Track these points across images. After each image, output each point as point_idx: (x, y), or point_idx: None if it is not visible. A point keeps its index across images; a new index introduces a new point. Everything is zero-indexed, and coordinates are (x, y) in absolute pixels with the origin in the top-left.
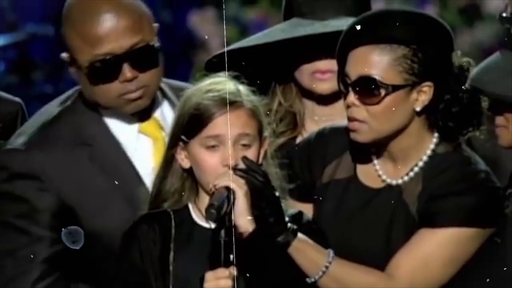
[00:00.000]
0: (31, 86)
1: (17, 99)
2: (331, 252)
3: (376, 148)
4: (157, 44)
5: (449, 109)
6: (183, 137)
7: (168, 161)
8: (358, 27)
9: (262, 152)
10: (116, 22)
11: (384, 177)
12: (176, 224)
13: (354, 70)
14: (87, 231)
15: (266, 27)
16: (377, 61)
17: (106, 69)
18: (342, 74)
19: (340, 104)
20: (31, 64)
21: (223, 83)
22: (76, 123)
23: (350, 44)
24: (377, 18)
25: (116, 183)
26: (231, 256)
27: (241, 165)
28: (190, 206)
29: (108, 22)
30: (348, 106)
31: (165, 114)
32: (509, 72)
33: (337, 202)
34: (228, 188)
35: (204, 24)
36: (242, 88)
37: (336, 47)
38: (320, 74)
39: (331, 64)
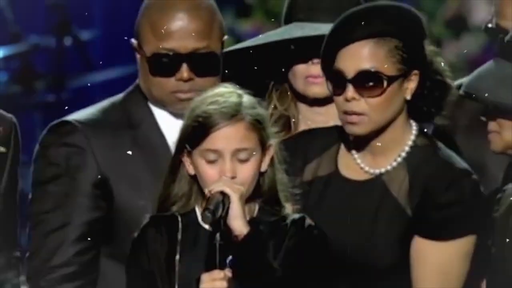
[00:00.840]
0: (33, 96)
1: (9, 115)
2: None
3: (359, 143)
4: (220, 55)
5: (432, 95)
6: (187, 146)
7: (176, 166)
8: (348, 25)
9: (267, 159)
10: (187, 23)
11: (366, 168)
12: (183, 227)
13: (351, 65)
14: (118, 205)
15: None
16: (374, 55)
17: (166, 64)
18: (331, 72)
19: (333, 109)
20: (33, 74)
21: (226, 95)
22: (126, 109)
23: (339, 42)
24: (365, 14)
25: (153, 168)
26: (227, 259)
27: (237, 179)
28: (197, 209)
29: (179, 20)
30: (346, 101)
31: None
32: (503, 79)
33: (320, 198)
34: (223, 193)
35: None
36: (246, 99)
37: (322, 46)
38: (312, 78)
39: None
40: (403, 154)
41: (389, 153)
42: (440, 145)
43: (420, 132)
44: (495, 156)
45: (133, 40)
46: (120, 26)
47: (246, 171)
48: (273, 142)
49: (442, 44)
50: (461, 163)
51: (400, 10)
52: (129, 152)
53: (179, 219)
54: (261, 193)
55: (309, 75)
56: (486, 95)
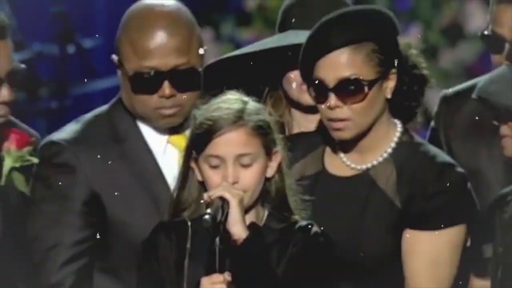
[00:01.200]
0: (37, 102)
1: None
2: None
3: (344, 144)
4: (200, 68)
5: (411, 89)
6: (194, 152)
7: (185, 172)
8: (323, 34)
9: (273, 166)
10: (167, 41)
11: (353, 165)
12: (193, 233)
13: (332, 74)
14: (111, 222)
15: None
16: (352, 62)
17: (148, 82)
18: (312, 81)
19: None
20: (37, 81)
21: (231, 102)
22: (112, 123)
23: (317, 52)
24: (339, 22)
25: (142, 181)
26: (226, 263)
27: (239, 184)
28: (202, 214)
29: (159, 38)
30: (330, 109)
31: None
32: None
33: (309, 195)
34: (223, 198)
35: None
36: (250, 106)
37: (299, 58)
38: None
39: None
40: (389, 150)
41: (375, 150)
42: (425, 142)
43: (405, 130)
44: (490, 162)
45: (114, 56)
46: None
47: (249, 176)
48: (280, 148)
49: (438, 52)
50: (446, 157)
51: (371, 13)
52: (117, 166)
53: (189, 224)
54: (270, 199)
55: (303, 83)
56: (498, 99)
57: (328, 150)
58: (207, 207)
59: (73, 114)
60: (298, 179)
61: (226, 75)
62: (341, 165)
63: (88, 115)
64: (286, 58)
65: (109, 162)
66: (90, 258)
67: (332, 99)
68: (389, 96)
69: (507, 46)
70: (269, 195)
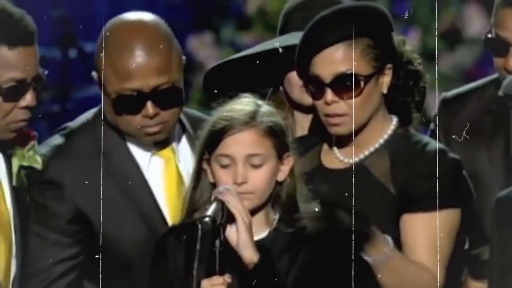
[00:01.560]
0: (39, 106)
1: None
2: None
3: (340, 140)
4: (181, 84)
5: (406, 84)
6: (206, 152)
7: (198, 173)
8: (319, 31)
9: (285, 170)
10: (148, 62)
11: (346, 160)
12: (203, 234)
13: (328, 70)
14: (99, 239)
15: None
16: (348, 57)
17: (131, 103)
18: (308, 78)
19: None
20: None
21: (244, 103)
22: (96, 136)
23: (312, 49)
24: (334, 18)
25: (128, 196)
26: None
27: (248, 185)
28: (202, 216)
29: (140, 60)
30: (326, 104)
31: (180, 140)
32: None
33: (308, 189)
34: (221, 201)
35: (201, 48)
36: (264, 109)
37: (296, 54)
38: None
39: None
40: (382, 141)
41: (369, 143)
42: (419, 133)
43: (400, 125)
44: (489, 164)
45: (94, 74)
46: None
47: (258, 177)
48: (292, 152)
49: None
50: (439, 144)
51: (365, 9)
52: (102, 181)
53: (199, 226)
54: (280, 203)
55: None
56: None
57: (324, 147)
58: (206, 210)
59: (75, 117)
60: (298, 176)
61: (228, 78)
62: (336, 160)
63: (73, 126)
64: (286, 59)
65: (94, 177)
66: (79, 273)
67: (329, 95)
68: (385, 91)
69: (511, 49)
70: (280, 199)
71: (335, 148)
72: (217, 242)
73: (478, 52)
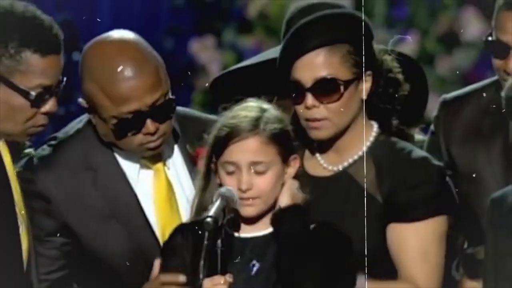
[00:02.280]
0: None
1: None
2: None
3: (322, 145)
4: (170, 92)
5: (386, 92)
6: (213, 156)
7: (206, 175)
8: (300, 36)
9: (291, 172)
10: (140, 82)
11: (330, 167)
12: (211, 234)
13: (308, 75)
14: (86, 251)
15: (260, 53)
16: (328, 62)
17: (131, 124)
18: (289, 83)
19: None
20: None
21: (249, 109)
22: (84, 148)
23: (294, 54)
24: (316, 23)
25: (116, 209)
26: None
27: (253, 191)
28: (204, 217)
29: (132, 83)
30: (307, 108)
31: (169, 145)
32: None
33: None
34: (226, 199)
35: (203, 51)
36: (268, 114)
37: (277, 60)
38: None
39: None
40: (365, 148)
41: (351, 150)
42: (400, 140)
43: (381, 131)
44: (488, 165)
45: (81, 101)
46: None
47: (263, 183)
48: (297, 155)
49: (435, 59)
50: (423, 152)
51: (347, 16)
52: (89, 194)
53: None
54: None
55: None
56: None
57: (306, 153)
58: (208, 210)
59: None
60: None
61: (234, 87)
62: (320, 167)
63: (62, 137)
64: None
65: (81, 190)
66: (67, 283)
67: (309, 99)
68: (364, 97)
69: (511, 52)
70: None
71: (318, 155)
72: (219, 242)
73: (476, 55)
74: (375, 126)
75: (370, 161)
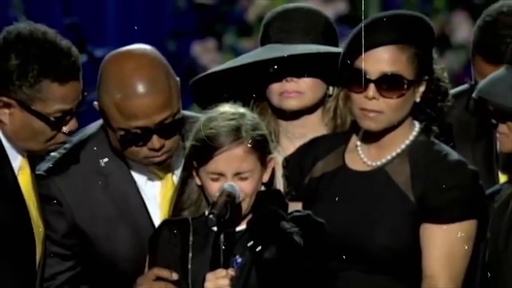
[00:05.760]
0: None
1: None
2: None
3: (365, 140)
4: (180, 111)
5: (435, 98)
6: (194, 162)
7: (185, 179)
8: (373, 30)
9: (268, 171)
10: (151, 101)
11: (369, 162)
12: (194, 230)
13: (375, 67)
14: (95, 252)
15: None
16: (397, 59)
17: (137, 138)
18: (351, 71)
19: (310, 120)
20: None
21: (229, 116)
22: (96, 153)
23: (364, 45)
24: (389, 21)
25: (125, 213)
26: (232, 259)
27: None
28: (207, 214)
29: (144, 101)
30: (366, 98)
31: (177, 155)
32: None
33: (328, 188)
34: (229, 196)
35: (205, 53)
36: (247, 121)
37: (346, 46)
38: (287, 93)
39: (296, 86)
40: (403, 147)
41: (392, 148)
42: (439, 142)
43: (422, 131)
44: (474, 164)
45: (96, 104)
46: (132, 44)
47: (247, 187)
48: (274, 155)
49: None
50: (458, 155)
51: (417, 19)
52: (100, 198)
53: (190, 222)
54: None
55: (283, 91)
56: (498, 99)
57: (349, 147)
58: (212, 207)
59: (86, 121)
60: (320, 175)
61: (214, 88)
62: (360, 161)
63: (75, 141)
64: (267, 71)
65: (92, 195)
66: (76, 283)
67: (371, 90)
68: (418, 100)
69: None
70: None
71: (359, 149)
72: (222, 237)
73: (465, 57)
74: (417, 126)
75: (406, 159)
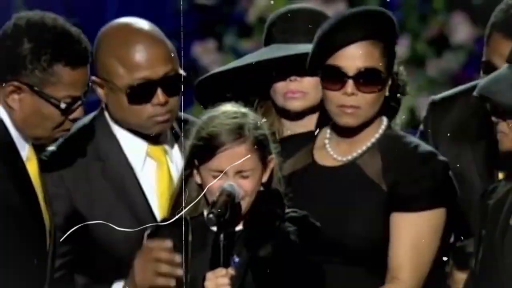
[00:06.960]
0: None
1: None
2: None
3: (334, 135)
4: (182, 72)
5: (396, 92)
6: (195, 161)
7: (186, 178)
8: (345, 27)
9: (268, 171)
10: (154, 51)
11: (339, 157)
12: (193, 229)
13: (352, 63)
14: (93, 237)
15: None
16: (371, 55)
17: (142, 92)
18: (326, 69)
19: (312, 121)
20: None
21: (231, 115)
22: (93, 139)
23: (337, 43)
24: (360, 17)
25: (122, 197)
26: (232, 259)
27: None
28: (205, 213)
29: (147, 50)
30: (345, 95)
31: (171, 141)
32: None
33: (299, 186)
34: (228, 195)
35: (205, 54)
36: (250, 120)
37: (316, 45)
38: (291, 93)
39: (300, 85)
40: (373, 140)
41: (362, 142)
42: (408, 134)
43: (389, 125)
44: (473, 164)
45: (94, 78)
46: None
47: (248, 186)
48: (274, 155)
49: (426, 61)
50: (428, 146)
51: (383, 14)
52: (98, 183)
53: (189, 222)
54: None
55: (287, 91)
56: (499, 98)
57: (317, 145)
58: (212, 207)
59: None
60: (290, 173)
61: (218, 88)
62: (329, 157)
63: (78, 125)
64: (271, 71)
65: (91, 180)
66: (72, 267)
67: (350, 86)
68: (387, 93)
69: None
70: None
71: (328, 146)
72: (222, 236)
73: (464, 58)
74: (385, 121)
75: (377, 152)
